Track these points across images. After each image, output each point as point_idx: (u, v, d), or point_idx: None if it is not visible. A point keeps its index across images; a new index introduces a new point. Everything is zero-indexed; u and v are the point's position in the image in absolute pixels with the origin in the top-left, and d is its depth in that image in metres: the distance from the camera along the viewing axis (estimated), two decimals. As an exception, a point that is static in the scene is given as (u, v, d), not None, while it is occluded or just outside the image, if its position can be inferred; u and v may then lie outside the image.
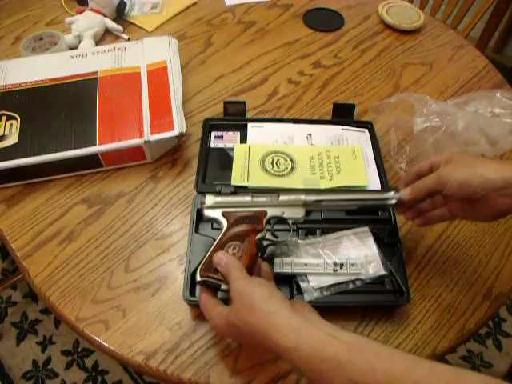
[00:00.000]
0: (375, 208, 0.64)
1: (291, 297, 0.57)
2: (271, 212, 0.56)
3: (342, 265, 0.57)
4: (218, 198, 0.56)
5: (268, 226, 0.56)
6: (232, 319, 0.45)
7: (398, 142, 0.76)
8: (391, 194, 0.57)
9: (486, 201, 0.49)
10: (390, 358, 0.38)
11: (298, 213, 0.57)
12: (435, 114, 0.73)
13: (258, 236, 0.53)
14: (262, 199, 0.57)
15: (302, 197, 0.57)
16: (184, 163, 0.74)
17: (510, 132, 0.75)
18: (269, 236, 0.56)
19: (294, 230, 0.57)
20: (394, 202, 0.56)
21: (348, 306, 0.58)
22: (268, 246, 0.59)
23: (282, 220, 0.57)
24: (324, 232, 0.62)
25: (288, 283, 0.58)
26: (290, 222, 0.57)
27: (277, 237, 0.57)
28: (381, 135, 0.75)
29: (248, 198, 0.57)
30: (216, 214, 0.55)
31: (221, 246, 0.52)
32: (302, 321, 0.42)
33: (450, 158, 0.52)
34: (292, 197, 0.57)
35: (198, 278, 0.51)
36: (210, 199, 0.56)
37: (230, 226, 0.54)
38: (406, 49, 0.97)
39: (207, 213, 0.56)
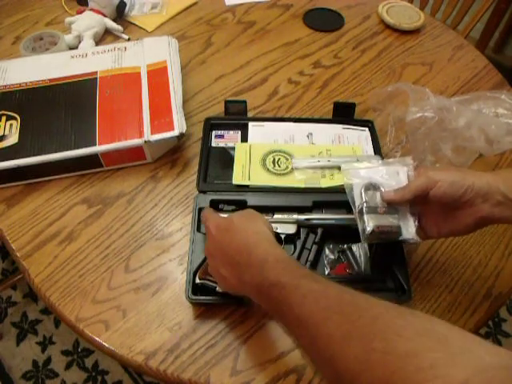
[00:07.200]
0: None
1: None
2: None
3: None
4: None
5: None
6: (227, 222, 0.50)
7: (395, 131, 0.77)
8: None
9: (469, 206, 0.49)
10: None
11: (290, 228, 0.61)
12: (429, 106, 0.74)
13: None
14: None
15: (295, 216, 0.61)
16: (184, 163, 0.74)
17: (508, 133, 0.75)
18: None
19: (285, 243, 0.61)
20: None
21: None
22: None
23: (275, 234, 0.60)
24: (326, 229, 0.62)
25: None
26: (283, 236, 0.61)
27: None
28: (380, 134, 0.75)
29: None
30: None
31: None
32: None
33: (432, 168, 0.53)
34: (285, 215, 0.62)
35: (197, 280, 0.56)
36: None
37: None
38: (406, 49, 0.97)
39: None
